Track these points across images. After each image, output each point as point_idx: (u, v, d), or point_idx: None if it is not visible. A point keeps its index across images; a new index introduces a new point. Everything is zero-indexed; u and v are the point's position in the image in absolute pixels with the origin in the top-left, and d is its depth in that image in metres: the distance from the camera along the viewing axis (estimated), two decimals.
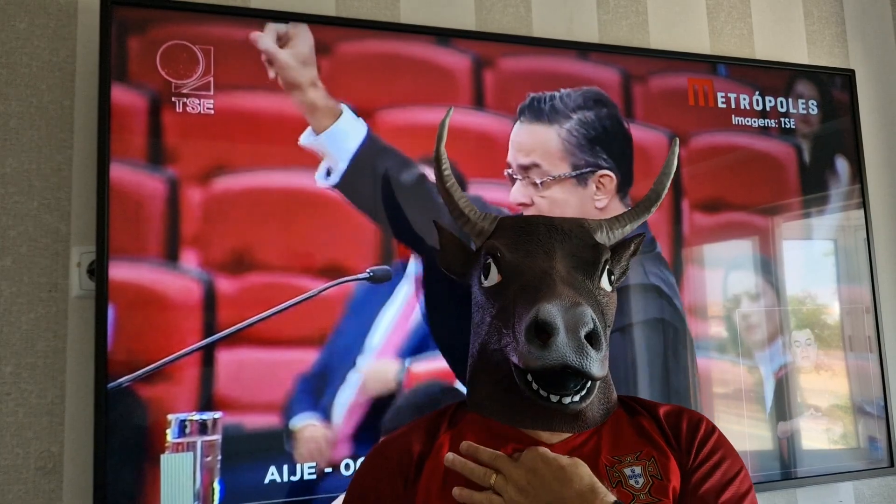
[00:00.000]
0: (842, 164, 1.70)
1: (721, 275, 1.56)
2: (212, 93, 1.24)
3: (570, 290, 0.89)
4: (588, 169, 1.44)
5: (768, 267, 1.61)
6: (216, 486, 1.17)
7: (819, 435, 1.60)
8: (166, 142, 1.21)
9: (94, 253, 1.17)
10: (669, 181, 1.13)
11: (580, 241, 0.97)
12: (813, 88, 1.71)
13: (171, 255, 1.19)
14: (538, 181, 1.41)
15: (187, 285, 1.19)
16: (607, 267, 0.97)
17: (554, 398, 0.86)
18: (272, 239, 1.25)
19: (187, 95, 1.22)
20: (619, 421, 0.98)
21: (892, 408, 1.67)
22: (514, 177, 1.41)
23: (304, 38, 1.30)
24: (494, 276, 0.97)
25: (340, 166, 1.29)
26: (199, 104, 1.23)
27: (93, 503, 1.11)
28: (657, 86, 1.55)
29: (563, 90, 1.46)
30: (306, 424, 1.23)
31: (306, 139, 1.28)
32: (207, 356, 1.19)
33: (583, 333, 0.82)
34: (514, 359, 0.86)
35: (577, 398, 0.86)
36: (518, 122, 1.43)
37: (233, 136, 1.24)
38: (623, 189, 1.48)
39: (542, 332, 0.83)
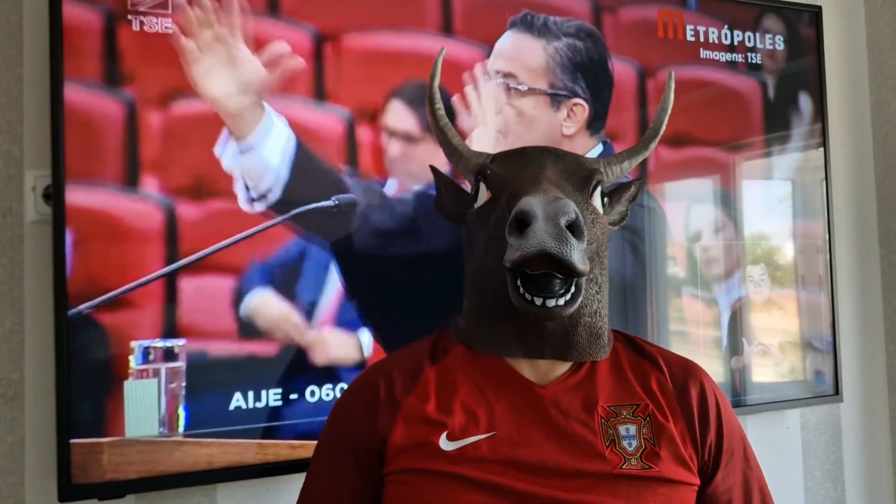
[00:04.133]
0: (805, 101, 1.72)
1: (683, 208, 1.58)
2: (170, 11, 1.18)
3: (556, 189, 0.85)
4: (564, 92, 1.43)
5: (728, 201, 1.63)
6: (181, 412, 1.17)
7: (768, 370, 1.66)
8: (123, 62, 1.15)
9: (50, 177, 1.13)
10: (667, 116, 1.10)
11: (574, 164, 0.94)
12: (780, 24, 1.70)
13: (130, 181, 1.16)
14: (512, 86, 1.40)
15: (148, 211, 1.17)
16: (600, 188, 0.94)
17: (538, 300, 0.83)
18: None
19: (144, 14, 1.17)
20: (619, 359, 0.95)
21: (839, 341, 1.73)
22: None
23: None
24: (484, 195, 0.94)
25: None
26: (157, 23, 1.17)
27: (56, 430, 1.10)
28: (627, 17, 1.53)
29: (557, 17, 1.45)
30: None
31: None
32: (170, 283, 1.17)
33: (563, 221, 0.78)
34: (505, 261, 0.82)
35: (561, 301, 0.83)
36: (507, 32, 1.41)
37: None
38: (595, 125, 1.47)
39: (522, 224, 0.79)
